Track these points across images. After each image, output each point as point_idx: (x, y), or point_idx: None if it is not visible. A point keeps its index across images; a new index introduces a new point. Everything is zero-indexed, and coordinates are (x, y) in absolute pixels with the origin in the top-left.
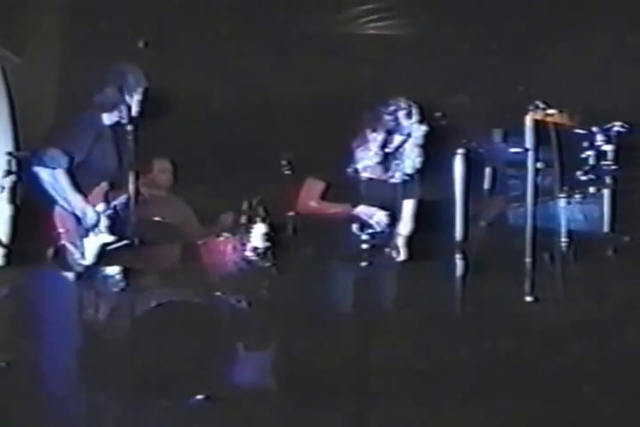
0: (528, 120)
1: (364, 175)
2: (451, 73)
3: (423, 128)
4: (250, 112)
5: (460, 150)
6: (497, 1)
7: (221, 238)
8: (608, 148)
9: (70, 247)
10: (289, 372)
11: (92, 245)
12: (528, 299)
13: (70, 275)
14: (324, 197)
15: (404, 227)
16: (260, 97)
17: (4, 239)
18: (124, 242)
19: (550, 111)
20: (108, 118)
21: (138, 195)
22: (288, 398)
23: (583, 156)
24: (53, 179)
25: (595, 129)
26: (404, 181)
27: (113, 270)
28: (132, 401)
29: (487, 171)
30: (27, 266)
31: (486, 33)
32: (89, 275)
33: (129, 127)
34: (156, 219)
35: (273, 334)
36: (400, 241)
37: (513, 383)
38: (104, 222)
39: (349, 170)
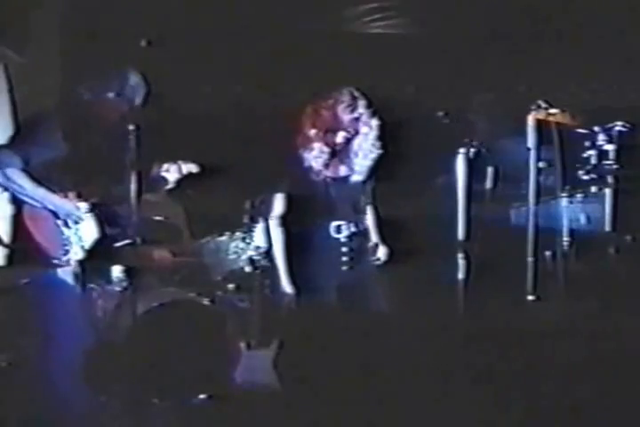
0: (530, 120)
1: (322, 175)
2: (451, 72)
3: (374, 123)
4: (251, 111)
5: (462, 150)
6: (498, 0)
7: (223, 237)
8: (610, 147)
9: (50, 244)
10: (291, 371)
11: (84, 236)
12: (530, 298)
13: (71, 275)
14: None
15: (371, 223)
16: (262, 97)
17: (6, 239)
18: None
19: (552, 111)
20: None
21: (139, 194)
22: (290, 398)
23: (585, 155)
24: (6, 179)
25: (596, 128)
26: (364, 182)
27: (114, 270)
28: (134, 401)
29: (489, 170)
30: (28, 266)
31: (487, 32)
32: (90, 274)
33: (130, 127)
34: (158, 218)
35: (275, 333)
36: (374, 239)
37: (513, 383)
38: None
39: (309, 172)
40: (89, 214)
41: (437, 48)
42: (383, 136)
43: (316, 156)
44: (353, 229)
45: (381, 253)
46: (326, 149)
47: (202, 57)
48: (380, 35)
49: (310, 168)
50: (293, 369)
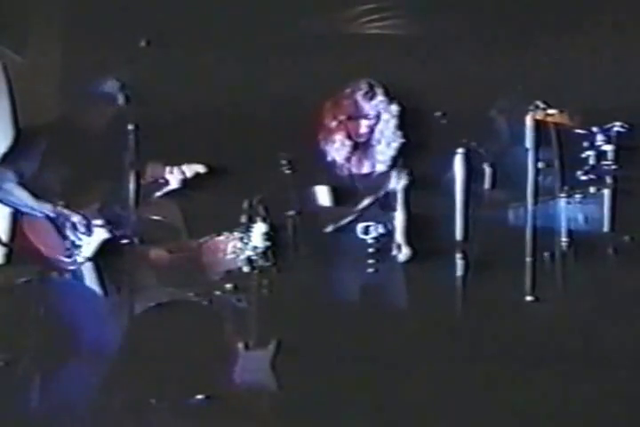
0: (528, 120)
1: (346, 170)
2: (451, 72)
3: (394, 108)
4: (251, 111)
5: (460, 150)
6: (497, 0)
7: (221, 237)
8: (608, 148)
9: (51, 250)
10: (289, 372)
11: (89, 241)
12: (528, 298)
13: (68, 275)
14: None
15: (399, 219)
16: (262, 96)
17: (5, 237)
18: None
19: (551, 111)
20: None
21: (138, 194)
22: (288, 398)
23: (583, 156)
24: (4, 193)
25: (595, 129)
26: (386, 172)
27: (113, 270)
28: (132, 401)
29: (487, 171)
30: (27, 265)
31: (487, 32)
32: (88, 274)
33: (129, 126)
34: (156, 218)
35: (273, 333)
36: (399, 237)
37: (512, 383)
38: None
39: (335, 167)
40: (85, 214)
41: (436, 48)
42: (403, 125)
43: (337, 148)
44: (381, 231)
45: (403, 253)
46: (348, 142)
47: (208, 57)
48: (379, 35)
49: (333, 162)
50: (292, 370)
